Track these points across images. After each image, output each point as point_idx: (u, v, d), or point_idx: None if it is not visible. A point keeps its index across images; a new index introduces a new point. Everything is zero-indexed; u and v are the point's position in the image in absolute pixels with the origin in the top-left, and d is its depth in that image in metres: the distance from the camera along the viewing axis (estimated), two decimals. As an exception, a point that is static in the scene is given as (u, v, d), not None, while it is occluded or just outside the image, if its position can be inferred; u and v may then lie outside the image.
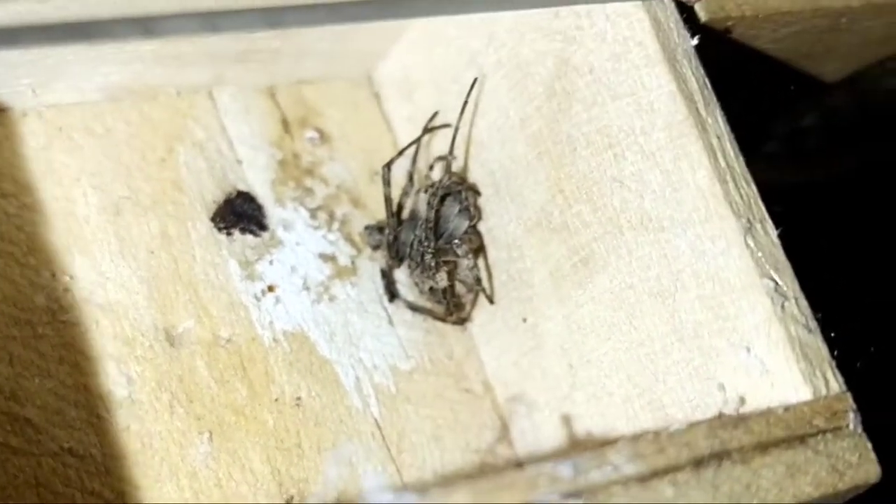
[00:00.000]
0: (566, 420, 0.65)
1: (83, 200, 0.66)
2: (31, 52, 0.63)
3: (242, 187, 0.70)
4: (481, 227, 0.71)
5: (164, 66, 0.68)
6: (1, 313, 0.62)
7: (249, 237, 0.69)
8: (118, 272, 0.66)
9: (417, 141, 0.71)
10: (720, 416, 0.58)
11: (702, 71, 0.62)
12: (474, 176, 0.71)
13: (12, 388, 0.61)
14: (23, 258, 0.63)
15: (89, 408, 0.62)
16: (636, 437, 0.54)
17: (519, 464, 0.69)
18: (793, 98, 0.78)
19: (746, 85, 0.71)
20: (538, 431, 0.68)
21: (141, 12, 0.52)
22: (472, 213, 0.70)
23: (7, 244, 0.63)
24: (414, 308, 0.71)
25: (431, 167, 0.72)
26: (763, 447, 0.55)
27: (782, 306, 0.58)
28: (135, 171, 0.68)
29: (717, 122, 0.61)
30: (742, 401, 0.58)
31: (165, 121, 0.70)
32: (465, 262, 0.70)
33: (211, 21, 0.53)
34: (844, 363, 0.58)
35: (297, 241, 0.71)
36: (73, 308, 0.64)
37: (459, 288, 0.71)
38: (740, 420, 0.55)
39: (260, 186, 0.71)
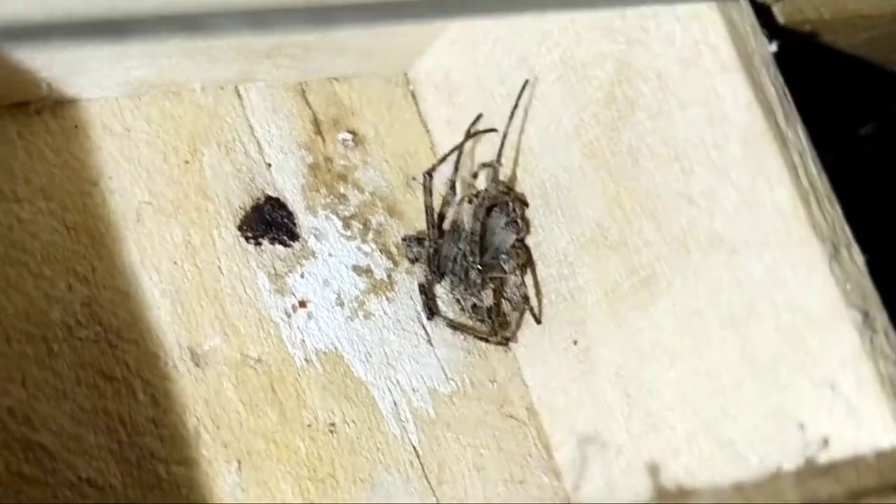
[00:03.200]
0: (646, 466, 0.60)
1: (101, 205, 0.61)
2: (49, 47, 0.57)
3: (271, 192, 0.65)
4: (529, 241, 0.66)
5: (192, 61, 0.63)
6: (13, 328, 0.57)
7: (279, 247, 0.64)
8: (139, 284, 0.60)
9: (460, 146, 0.66)
10: (804, 461, 0.53)
11: (781, 79, 0.57)
12: (522, 186, 0.66)
13: (25, 412, 0.56)
14: (36, 268, 0.58)
15: (109, 433, 0.57)
16: (718, 491, 0.49)
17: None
18: (854, 105, 0.73)
19: (814, 92, 0.67)
20: (603, 469, 0.63)
21: (181, 9, 0.47)
22: (520, 225, 0.65)
23: (20, 252, 0.58)
24: (455, 326, 0.66)
25: (475, 175, 0.67)
26: (854, 497, 0.50)
27: (871, 340, 0.53)
28: (156, 174, 0.63)
29: (799, 135, 0.56)
30: (825, 443, 0.53)
31: (189, 119, 0.65)
32: (511, 279, 0.65)
33: (259, 20, 0.48)
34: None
35: (330, 252, 0.66)
36: (91, 323, 0.58)
37: (505, 306, 0.66)
38: (828, 468, 0.50)
39: (290, 192, 0.66)
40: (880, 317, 0.54)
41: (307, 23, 0.50)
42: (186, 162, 0.64)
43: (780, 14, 0.60)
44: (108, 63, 0.61)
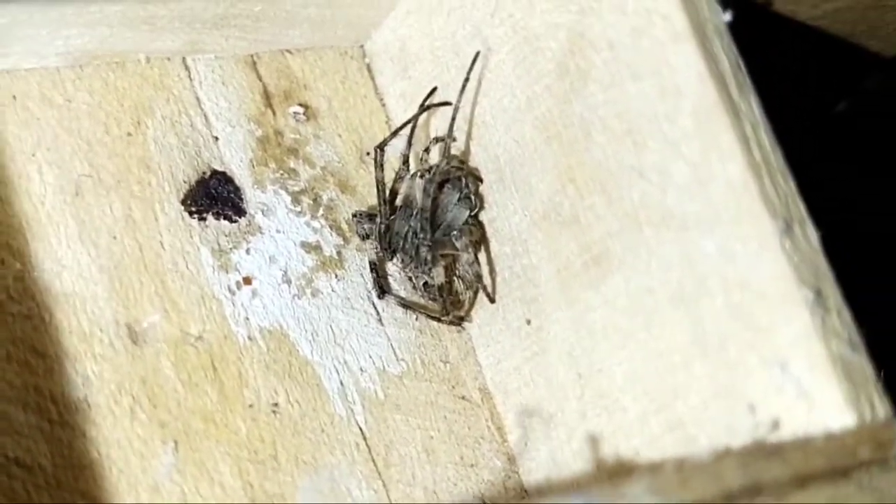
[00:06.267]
0: (587, 440, 0.59)
1: (38, 178, 0.59)
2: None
3: (218, 167, 0.64)
4: (483, 217, 0.65)
5: (134, 30, 0.61)
6: (-58, 304, 0.55)
7: (224, 223, 0.63)
8: (76, 259, 0.59)
9: (414, 120, 0.65)
10: (752, 443, 0.51)
11: (735, 49, 0.55)
12: (476, 161, 0.65)
13: (-48, 390, 0.54)
14: (-32, 242, 0.57)
15: (40, 412, 0.55)
16: (656, 467, 0.47)
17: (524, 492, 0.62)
18: (825, 82, 0.71)
19: (776, 67, 0.65)
20: (554, 451, 0.61)
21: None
22: (473, 201, 0.63)
23: (-49, 226, 0.57)
24: (406, 305, 0.65)
25: (428, 150, 0.65)
26: (801, 481, 0.48)
27: (822, 319, 0.51)
28: (97, 147, 0.61)
29: (752, 108, 0.54)
30: (775, 424, 0.52)
31: (133, 91, 0.63)
32: (464, 256, 0.63)
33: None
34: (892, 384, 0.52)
35: (278, 228, 0.64)
36: (24, 299, 0.57)
37: (457, 284, 0.64)
38: (775, 450, 0.48)
39: (237, 166, 0.64)
40: (833, 295, 0.52)
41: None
42: (129, 134, 0.62)
43: (736, -19, 0.58)
44: (45, 30, 0.59)
